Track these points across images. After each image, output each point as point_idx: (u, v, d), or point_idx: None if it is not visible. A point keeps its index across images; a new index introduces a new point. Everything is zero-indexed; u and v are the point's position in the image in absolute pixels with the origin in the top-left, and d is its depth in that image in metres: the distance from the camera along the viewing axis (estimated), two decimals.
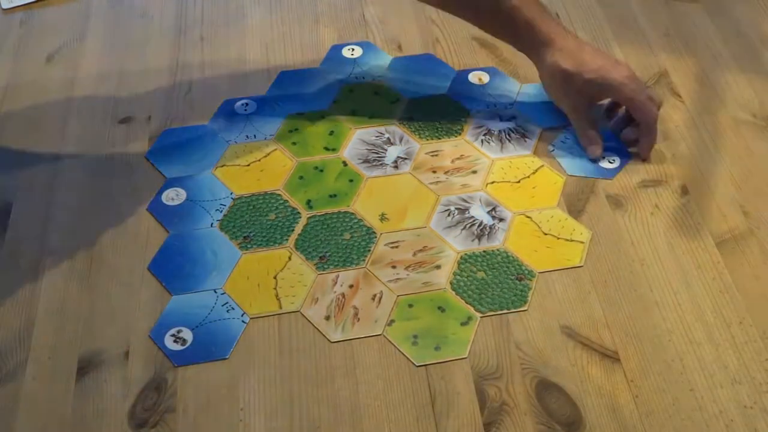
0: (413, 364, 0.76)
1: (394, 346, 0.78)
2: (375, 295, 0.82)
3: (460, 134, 0.97)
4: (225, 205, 0.90)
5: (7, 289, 0.83)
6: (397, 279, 0.83)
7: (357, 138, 0.97)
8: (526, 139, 0.96)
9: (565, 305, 0.81)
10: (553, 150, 0.94)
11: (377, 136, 0.97)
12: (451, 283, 0.82)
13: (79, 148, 0.96)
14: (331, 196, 0.91)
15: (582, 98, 0.93)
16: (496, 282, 0.82)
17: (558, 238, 0.86)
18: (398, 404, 0.74)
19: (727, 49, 1.08)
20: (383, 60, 1.07)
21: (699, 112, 1.00)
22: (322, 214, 0.89)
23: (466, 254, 0.85)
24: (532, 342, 0.78)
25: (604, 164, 0.93)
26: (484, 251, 0.85)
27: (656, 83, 1.03)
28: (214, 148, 0.96)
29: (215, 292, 0.82)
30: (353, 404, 0.74)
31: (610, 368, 0.76)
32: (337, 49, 1.08)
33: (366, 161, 0.94)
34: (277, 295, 0.82)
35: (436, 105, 1.01)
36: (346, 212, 0.89)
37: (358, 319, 0.80)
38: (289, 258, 0.85)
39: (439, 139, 0.97)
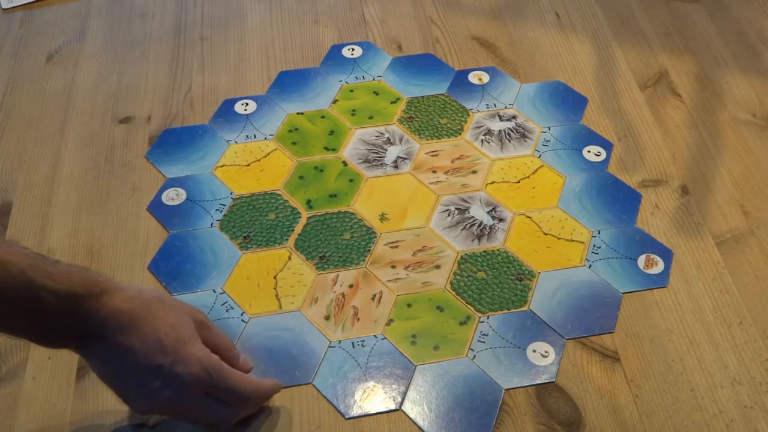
0: (410, 361, 0.77)
1: (393, 345, 0.78)
2: (375, 295, 0.82)
3: (460, 134, 0.97)
4: (225, 205, 0.90)
5: None
6: (397, 279, 0.83)
7: (357, 138, 0.97)
8: (526, 139, 0.96)
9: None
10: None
11: (377, 136, 0.97)
12: (450, 283, 0.82)
13: (79, 148, 0.96)
14: (331, 196, 0.91)
15: None
16: (496, 282, 0.82)
17: (558, 238, 0.86)
18: None
19: (727, 49, 1.08)
20: (383, 60, 1.07)
21: (699, 112, 1.00)
22: (322, 214, 0.89)
23: (466, 254, 0.85)
24: None
25: None
26: (484, 251, 0.85)
27: (656, 83, 1.03)
28: (214, 148, 0.96)
29: (214, 291, 0.82)
30: None
31: (610, 368, 0.76)
32: (337, 49, 1.08)
33: (366, 161, 0.94)
34: (277, 295, 0.82)
35: (436, 105, 1.01)
36: (346, 212, 0.89)
37: (358, 319, 0.80)
38: (289, 258, 0.85)
39: (439, 139, 0.97)
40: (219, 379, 0.66)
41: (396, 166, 0.94)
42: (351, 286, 0.82)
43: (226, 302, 0.81)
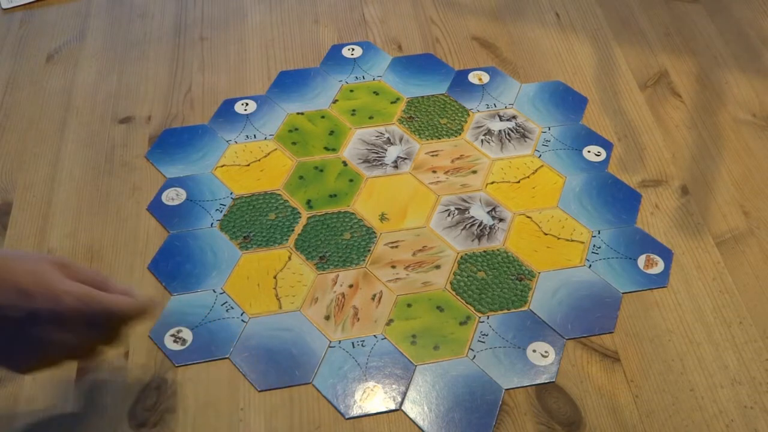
0: (411, 362, 0.77)
1: (393, 345, 0.78)
2: (375, 295, 0.82)
3: (460, 134, 0.97)
4: (225, 205, 0.90)
5: None
6: (397, 279, 0.83)
7: (357, 138, 0.97)
8: (526, 139, 0.97)
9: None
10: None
11: (377, 136, 0.97)
12: (450, 283, 0.82)
13: (79, 148, 0.96)
14: (331, 196, 0.91)
15: None
16: (496, 282, 0.82)
17: (558, 238, 0.86)
18: None
19: (727, 49, 1.08)
20: (383, 60, 1.07)
21: (699, 112, 1.00)
22: (322, 214, 0.89)
23: (466, 254, 0.85)
24: None
25: None
26: (484, 251, 0.85)
27: (656, 83, 1.03)
28: (214, 148, 0.96)
29: (214, 291, 0.82)
30: None
31: (610, 368, 0.76)
32: (337, 49, 1.08)
33: (366, 161, 0.94)
34: (277, 295, 0.82)
35: (436, 105, 1.01)
36: (346, 212, 0.89)
37: (358, 319, 0.80)
38: (289, 258, 0.85)
39: (439, 139, 0.97)
40: (95, 304, 0.64)
41: (396, 166, 0.94)
42: (351, 286, 0.82)
43: (226, 302, 0.81)
